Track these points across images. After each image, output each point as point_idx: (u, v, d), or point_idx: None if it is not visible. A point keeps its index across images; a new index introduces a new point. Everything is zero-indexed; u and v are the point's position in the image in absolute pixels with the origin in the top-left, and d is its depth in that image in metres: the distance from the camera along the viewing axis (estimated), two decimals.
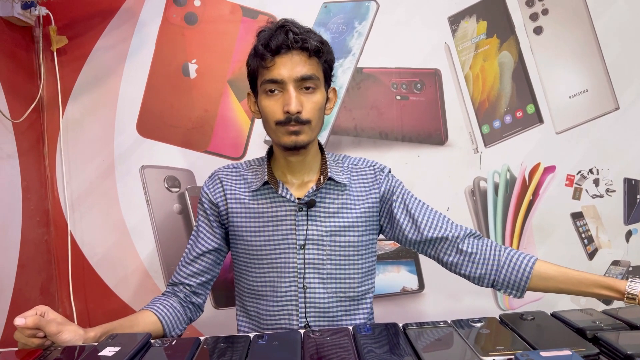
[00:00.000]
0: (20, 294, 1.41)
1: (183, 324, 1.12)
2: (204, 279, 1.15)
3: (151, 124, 1.60)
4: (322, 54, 1.06)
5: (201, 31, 1.59)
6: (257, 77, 1.07)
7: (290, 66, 1.02)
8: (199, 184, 1.62)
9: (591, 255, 1.71)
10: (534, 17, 1.64)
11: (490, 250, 1.08)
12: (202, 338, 0.83)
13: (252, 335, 0.81)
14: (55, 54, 1.52)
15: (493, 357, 0.69)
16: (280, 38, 1.01)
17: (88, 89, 1.57)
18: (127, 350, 0.71)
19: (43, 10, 1.47)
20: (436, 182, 1.67)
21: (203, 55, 1.60)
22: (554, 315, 0.86)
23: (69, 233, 1.58)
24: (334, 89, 1.15)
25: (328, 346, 0.73)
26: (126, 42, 1.58)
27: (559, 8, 1.64)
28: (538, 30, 1.64)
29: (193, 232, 1.19)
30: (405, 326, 0.81)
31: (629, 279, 0.95)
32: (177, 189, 1.62)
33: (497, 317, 0.85)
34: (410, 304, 1.69)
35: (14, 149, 1.43)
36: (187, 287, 1.14)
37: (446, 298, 1.69)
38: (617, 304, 1.22)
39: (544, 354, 0.66)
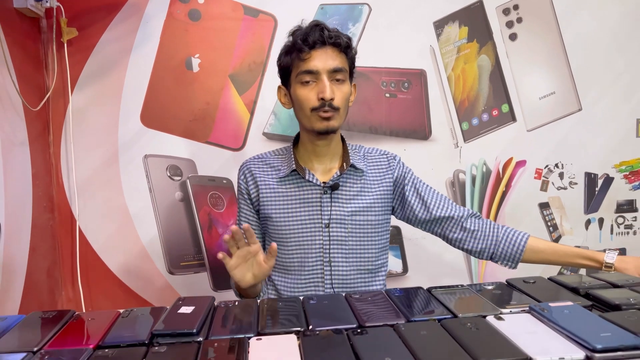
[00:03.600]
0: (31, 275, 1.46)
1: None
2: None
3: (155, 115, 1.67)
4: (349, 50, 1.20)
5: (204, 27, 1.67)
6: (291, 71, 1.19)
7: (325, 59, 1.15)
8: (200, 173, 1.71)
9: (555, 242, 1.90)
10: (509, 24, 1.81)
11: (490, 227, 1.24)
12: (260, 300, 0.92)
13: (301, 297, 0.91)
14: (65, 45, 1.56)
15: (510, 310, 0.82)
16: (316, 34, 1.15)
17: (94, 79, 1.63)
18: (201, 309, 0.81)
19: (54, 2, 1.51)
20: (420, 174, 1.76)
21: (205, 50, 1.68)
22: (550, 279, 1.01)
23: (75, 219, 1.63)
24: (354, 85, 1.27)
25: (371, 305, 0.85)
26: (131, 35, 1.64)
27: (532, 17, 1.81)
28: (513, 37, 1.81)
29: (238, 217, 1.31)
30: (429, 289, 0.94)
31: (606, 251, 1.14)
32: (179, 178, 1.70)
33: (504, 282, 0.99)
34: (395, 285, 1.82)
35: (25, 136, 1.48)
36: None
37: (427, 280, 1.83)
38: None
39: (552, 304, 0.80)
